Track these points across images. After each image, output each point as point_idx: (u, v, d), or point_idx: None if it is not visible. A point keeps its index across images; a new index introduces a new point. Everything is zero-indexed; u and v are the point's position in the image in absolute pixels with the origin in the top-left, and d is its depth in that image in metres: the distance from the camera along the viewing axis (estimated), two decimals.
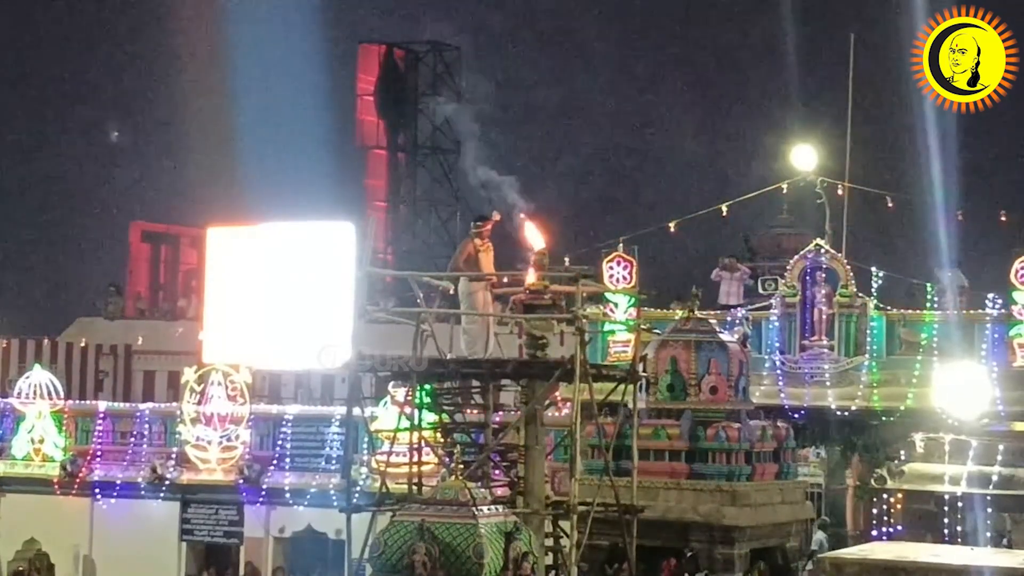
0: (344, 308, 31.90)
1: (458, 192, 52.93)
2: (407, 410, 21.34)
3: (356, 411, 22.75)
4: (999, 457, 27.58)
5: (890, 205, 32.86)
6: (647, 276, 31.20)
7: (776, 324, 30.79)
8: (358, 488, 28.01)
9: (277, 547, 31.83)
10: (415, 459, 21.14)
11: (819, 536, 27.89)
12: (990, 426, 28.39)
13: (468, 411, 22.02)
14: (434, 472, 23.42)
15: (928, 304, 30.44)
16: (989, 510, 26.98)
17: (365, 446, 29.05)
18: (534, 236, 21.61)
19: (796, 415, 30.04)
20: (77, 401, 35.54)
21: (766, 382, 30.34)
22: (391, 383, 25.73)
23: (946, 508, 27.31)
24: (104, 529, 32.73)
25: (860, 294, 30.49)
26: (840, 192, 32.82)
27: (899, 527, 27.66)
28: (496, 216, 22.08)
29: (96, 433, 33.27)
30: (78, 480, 32.83)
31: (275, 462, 31.47)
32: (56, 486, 33.03)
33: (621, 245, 31.86)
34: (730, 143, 53.55)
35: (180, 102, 56.16)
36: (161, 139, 57.56)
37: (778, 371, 30.56)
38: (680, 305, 28.97)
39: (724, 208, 33.32)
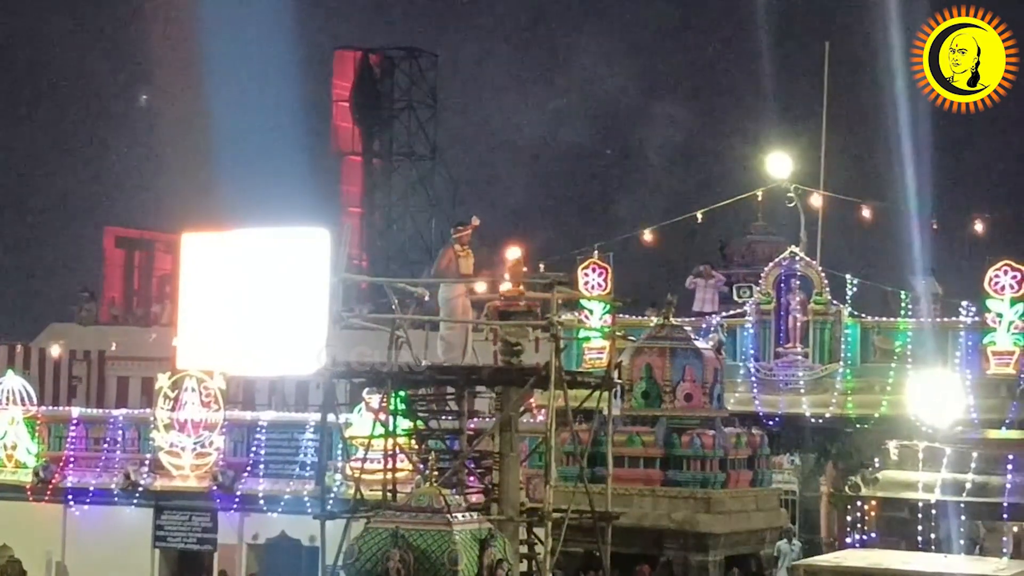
0: (319, 314, 31.85)
1: (433, 198, 52.96)
2: (382, 416, 21.30)
3: (330, 417, 22.71)
4: (973, 464, 27.61)
5: (865, 213, 32.94)
6: (622, 283, 31.22)
7: (751, 331, 30.87)
8: (332, 495, 27.96)
9: (251, 554, 31.74)
10: (389, 466, 21.11)
11: (780, 543, 27.93)
12: (964, 434, 28.45)
13: (443, 418, 21.98)
14: (409, 479, 23.36)
15: (902, 312, 30.54)
16: (963, 517, 27.01)
17: (339, 453, 29.00)
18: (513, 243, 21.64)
19: (770, 422, 30.10)
20: (50, 407, 35.42)
21: (740, 389, 30.41)
22: (366, 389, 25.68)
23: (920, 515, 27.33)
24: (77, 536, 32.62)
25: (834, 302, 30.57)
26: (815, 200, 32.89)
27: (873, 534, 27.67)
28: (475, 221, 22.06)
29: (69, 439, 33.15)
30: (51, 486, 32.72)
31: (249, 468, 31.41)
32: (29, 492, 32.91)
33: (596, 252, 31.89)
34: (705, 150, 53.64)
35: (155, 107, 56.07)
36: (136, 144, 57.42)
37: (753, 378, 30.63)
38: (655, 312, 29.01)
39: (699, 215, 33.36)
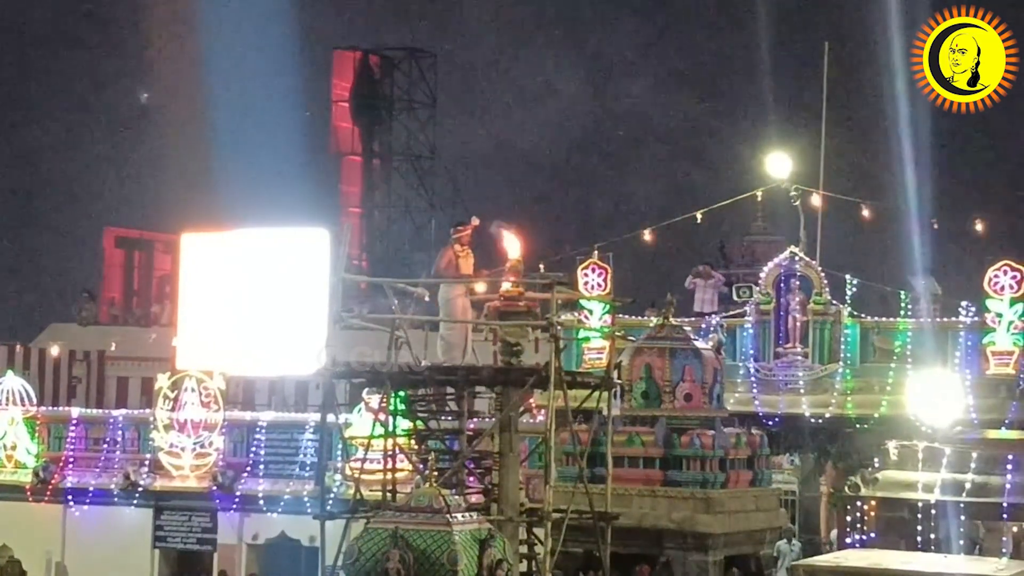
0: (318, 314, 31.85)
1: (432, 198, 52.96)
2: (381, 417, 21.30)
3: (330, 418, 22.71)
4: (972, 465, 27.59)
5: (864, 213, 32.94)
6: (622, 283, 31.22)
7: (750, 331, 30.86)
8: (332, 495, 27.96)
9: (251, 554, 31.74)
10: (389, 466, 21.11)
11: (780, 543, 27.94)
12: (963, 434, 28.42)
13: (442, 418, 21.98)
14: (408, 479, 23.35)
15: (902, 312, 30.53)
16: (962, 518, 26.98)
17: (339, 453, 29.00)
18: (511, 244, 21.61)
19: (770, 422, 30.10)
20: (50, 407, 35.42)
21: (740, 389, 30.40)
22: (365, 390, 25.68)
23: (920, 516, 27.31)
24: (77, 536, 32.62)
25: (834, 302, 30.56)
26: (815, 200, 32.89)
27: (873, 534, 27.67)
28: (475, 221, 22.06)
29: (69, 439, 33.15)
30: (51, 487, 32.72)
31: (249, 469, 31.41)
32: (28, 493, 32.90)
33: (596, 252, 31.87)
34: (705, 150, 53.66)
35: (155, 107, 56.10)
36: (135, 144, 57.44)
37: (752, 378, 30.61)
38: (655, 312, 29.00)
39: (699, 215, 33.33)
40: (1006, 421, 28.85)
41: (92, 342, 43.03)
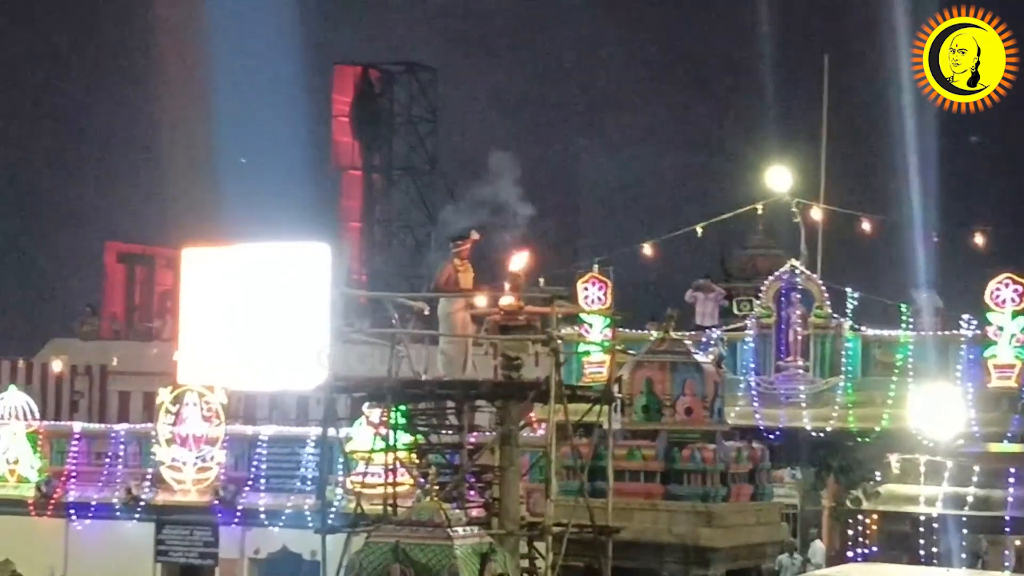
0: (319, 329, 31.84)
1: (433, 213, 52.97)
2: (382, 431, 21.30)
3: (331, 432, 22.70)
4: (974, 478, 27.62)
5: (865, 226, 32.93)
6: (622, 297, 31.20)
7: (751, 345, 30.85)
8: (333, 509, 27.97)
9: (252, 568, 31.77)
10: (390, 480, 21.10)
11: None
12: (965, 447, 28.43)
13: (443, 432, 21.97)
14: (409, 493, 23.34)
15: (903, 325, 30.51)
16: (965, 531, 27.00)
17: (340, 467, 29.00)
18: (514, 257, 21.60)
19: (771, 436, 30.07)
20: (52, 422, 35.44)
21: (741, 403, 30.37)
22: (366, 404, 25.68)
23: (921, 529, 27.33)
24: (79, 550, 32.66)
25: (835, 315, 30.55)
26: (815, 213, 32.89)
27: (874, 548, 27.67)
28: (475, 235, 22.02)
29: (71, 454, 33.22)
30: (53, 501, 32.76)
31: (250, 483, 31.44)
32: (31, 507, 32.95)
33: (596, 266, 31.88)
34: (706, 164, 53.64)
35: (156, 122, 56.11)
36: (137, 159, 57.48)
37: (753, 392, 30.59)
38: (655, 326, 28.99)
39: (700, 229, 33.34)
40: (1008, 434, 28.82)
41: (94, 357, 43.05)
